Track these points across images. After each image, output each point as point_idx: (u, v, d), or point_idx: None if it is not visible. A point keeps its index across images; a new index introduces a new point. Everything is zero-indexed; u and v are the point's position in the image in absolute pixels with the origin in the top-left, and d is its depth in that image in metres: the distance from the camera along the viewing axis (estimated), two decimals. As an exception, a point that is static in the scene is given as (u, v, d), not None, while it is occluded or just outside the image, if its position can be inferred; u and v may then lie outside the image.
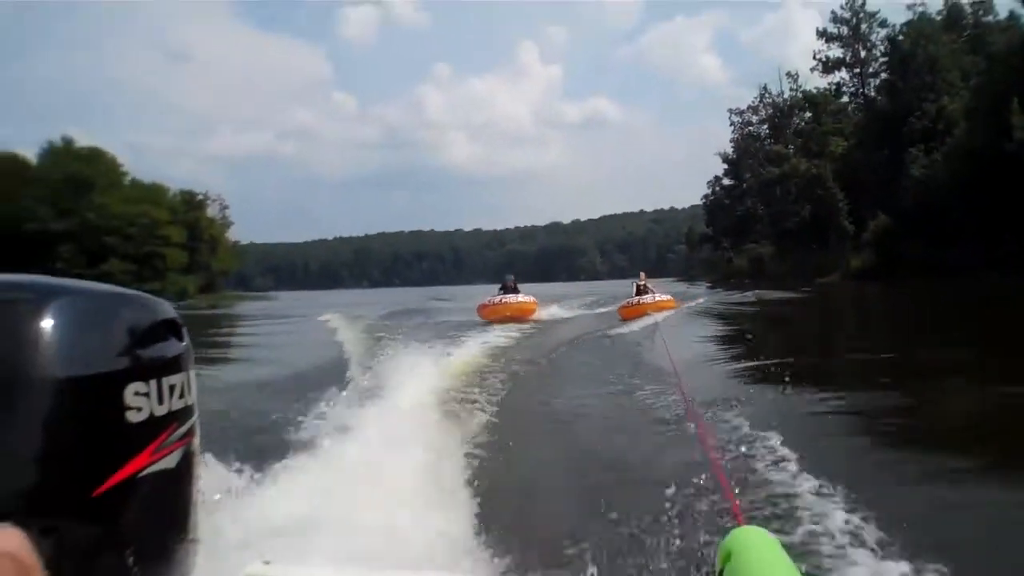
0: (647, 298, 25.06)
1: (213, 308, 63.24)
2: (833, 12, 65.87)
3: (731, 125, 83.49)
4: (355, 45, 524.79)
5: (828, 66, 67.17)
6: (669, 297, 25.94)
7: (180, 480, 1.15)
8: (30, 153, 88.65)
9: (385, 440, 6.14)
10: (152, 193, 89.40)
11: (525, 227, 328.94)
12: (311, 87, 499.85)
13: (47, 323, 1.02)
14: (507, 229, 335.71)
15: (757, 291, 43.77)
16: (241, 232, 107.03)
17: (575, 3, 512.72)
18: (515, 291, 25.59)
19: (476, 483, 5.42)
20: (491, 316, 23.01)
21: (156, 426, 1.10)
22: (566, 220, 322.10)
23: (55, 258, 77.24)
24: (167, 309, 1.21)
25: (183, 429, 1.15)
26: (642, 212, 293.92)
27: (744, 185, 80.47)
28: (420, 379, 9.53)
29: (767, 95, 78.27)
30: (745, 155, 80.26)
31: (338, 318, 24.69)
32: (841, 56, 66.33)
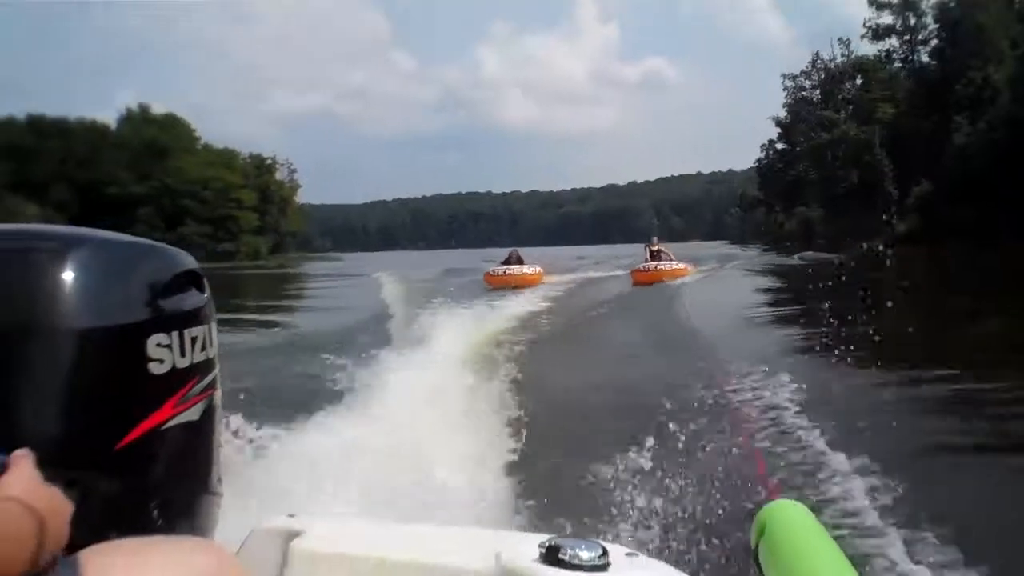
0: (664, 264, 24.67)
1: (282, 267, 67.00)
2: (884, -22, 66.81)
3: (784, 90, 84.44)
4: (413, 3, 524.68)
5: (878, 33, 68.23)
6: (684, 265, 25.57)
7: (203, 433, 1.16)
8: (109, 119, 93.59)
9: (420, 392, 6.25)
10: (225, 157, 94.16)
11: (581, 189, 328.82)
12: (369, 46, 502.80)
13: (68, 273, 1.01)
14: (563, 191, 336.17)
15: (801, 254, 45.99)
16: (300, 193, 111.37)
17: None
18: (519, 262, 25.92)
19: (511, 438, 5.63)
20: (497, 285, 23.29)
21: (179, 378, 1.09)
22: (622, 182, 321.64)
23: (134, 220, 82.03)
24: (189, 260, 1.24)
25: (205, 382, 1.15)
26: (699, 174, 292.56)
27: (797, 149, 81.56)
28: (459, 334, 10.01)
29: (819, 61, 79.30)
30: (797, 120, 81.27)
31: (396, 277, 26.17)
32: (891, 23, 67.38)
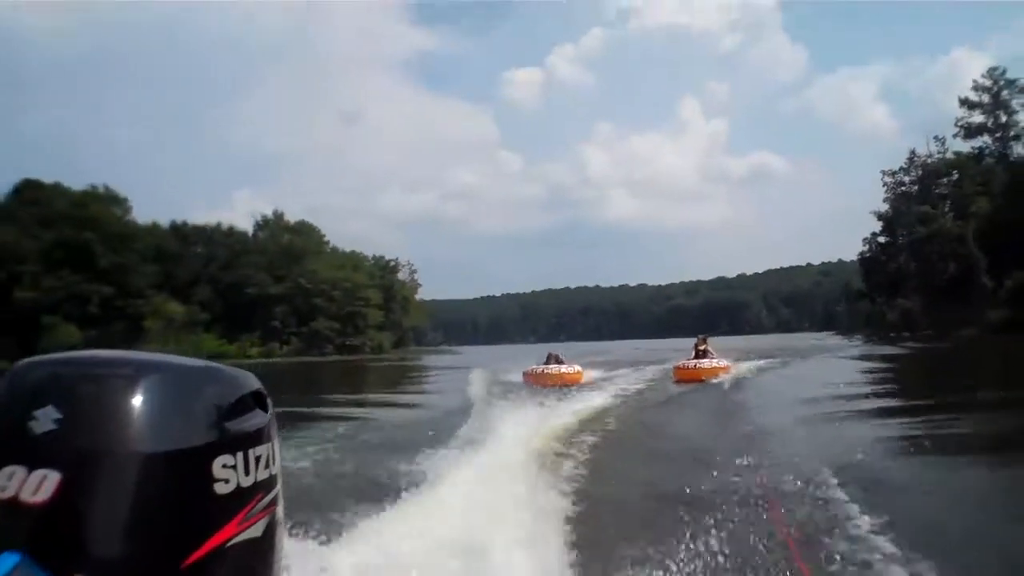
0: (704, 362, 25.13)
1: (402, 361, 72.13)
2: (975, 81, 70.64)
3: (884, 185, 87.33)
4: (520, 106, 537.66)
5: (970, 131, 71.42)
6: (726, 363, 25.76)
7: (265, 548, 1.19)
8: (244, 224, 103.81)
9: (478, 487, 6.48)
10: (352, 260, 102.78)
11: (690, 282, 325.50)
12: (477, 147, 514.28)
13: (140, 398, 1.06)
14: (672, 284, 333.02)
15: (901, 344, 48.92)
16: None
17: (736, 58, 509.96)
18: (559, 362, 26.45)
19: (560, 534, 5.71)
20: (536, 383, 23.52)
21: (243, 497, 1.13)
22: (731, 274, 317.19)
23: (271, 318, 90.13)
24: (252, 381, 1.25)
25: (268, 498, 1.19)
26: (809, 265, 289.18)
27: (899, 241, 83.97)
28: (526, 428, 10.39)
29: (916, 157, 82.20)
30: (898, 214, 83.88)
31: (490, 372, 28.11)
32: (983, 121, 70.45)
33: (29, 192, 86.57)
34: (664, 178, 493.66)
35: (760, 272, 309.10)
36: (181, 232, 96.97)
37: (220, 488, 1.11)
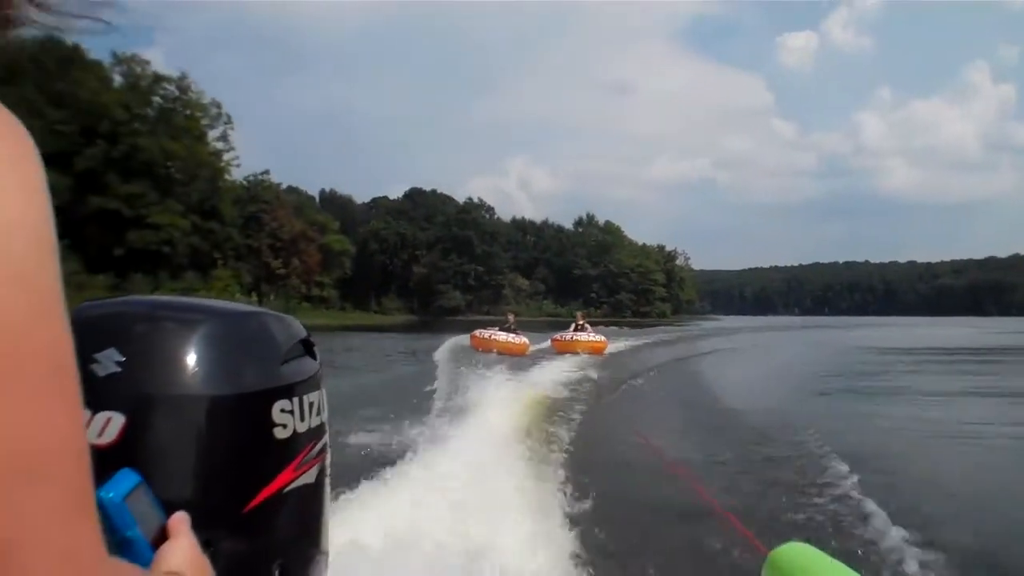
0: (581, 336, 26.83)
1: (680, 325, 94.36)
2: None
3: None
4: (794, 72, 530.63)
5: None
6: (603, 339, 27.34)
7: (317, 494, 1.20)
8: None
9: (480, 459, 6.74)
10: (644, 250, 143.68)
11: (959, 260, 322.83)
12: (749, 114, 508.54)
13: (201, 342, 1.07)
14: (942, 262, 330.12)
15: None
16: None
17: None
18: (510, 331, 27.30)
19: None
20: (480, 347, 25.09)
21: (299, 442, 1.13)
22: (1004, 254, 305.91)
23: (590, 291, 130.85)
24: (301, 328, 1.26)
25: (320, 445, 1.19)
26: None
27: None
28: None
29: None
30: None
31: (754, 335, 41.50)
32: None
33: (417, 197, 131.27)
34: (943, 147, 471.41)
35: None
36: (520, 225, 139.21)
37: (279, 433, 1.12)
